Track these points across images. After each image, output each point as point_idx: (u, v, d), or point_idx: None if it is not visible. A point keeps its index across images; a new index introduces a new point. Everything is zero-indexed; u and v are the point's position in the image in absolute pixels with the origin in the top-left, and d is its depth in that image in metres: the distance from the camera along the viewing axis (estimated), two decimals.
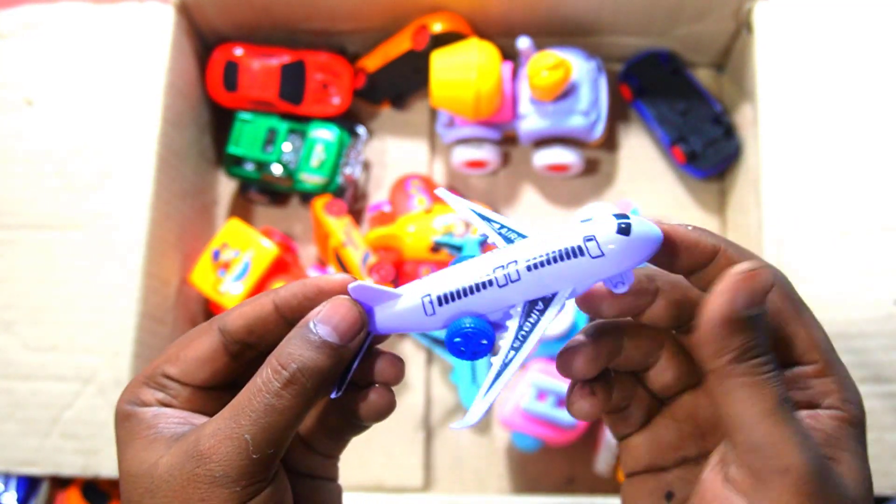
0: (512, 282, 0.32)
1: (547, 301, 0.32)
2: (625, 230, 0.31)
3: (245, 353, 0.36)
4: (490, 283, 0.32)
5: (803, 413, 0.31)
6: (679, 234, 0.32)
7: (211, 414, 0.34)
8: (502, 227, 0.35)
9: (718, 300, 0.30)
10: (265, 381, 0.32)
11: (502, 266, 0.32)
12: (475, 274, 0.33)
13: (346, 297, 0.34)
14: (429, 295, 0.33)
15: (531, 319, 0.32)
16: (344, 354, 0.33)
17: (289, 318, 0.35)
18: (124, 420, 0.35)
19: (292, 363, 0.32)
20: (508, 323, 0.33)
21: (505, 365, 0.32)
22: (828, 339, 0.32)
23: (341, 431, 0.38)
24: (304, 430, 0.38)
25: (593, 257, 0.31)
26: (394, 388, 0.37)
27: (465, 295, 0.33)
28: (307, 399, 0.32)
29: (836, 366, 0.31)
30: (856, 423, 0.31)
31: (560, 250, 0.32)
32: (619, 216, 0.32)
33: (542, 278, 0.32)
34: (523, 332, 0.32)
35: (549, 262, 0.32)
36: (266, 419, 0.31)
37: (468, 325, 0.33)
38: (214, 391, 0.36)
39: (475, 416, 0.32)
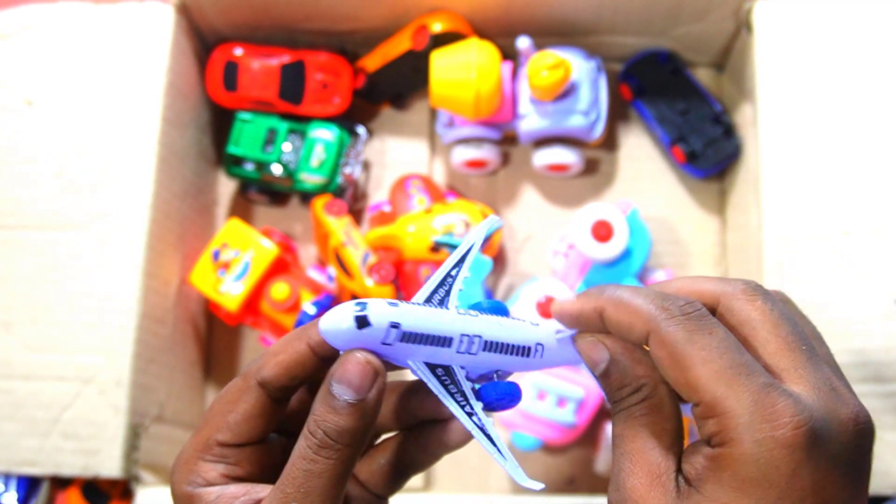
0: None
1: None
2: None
3: (290, 395, 0.36)
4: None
5: (692, 452, 0.31)
6: (566, 309, 0.35)
7: (275, 465, 0.35)
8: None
9: None
10: (301, 448, 0.32)
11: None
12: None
13: (358, 352, 0.32)
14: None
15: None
16: (367, 406, 0.32)
17: (327, 357, 0.35)
18: (186, 500, 0.34)
19: (318, 429, 0.32)
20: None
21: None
22: (724, 367, 0.30)
23: (408, 470, 0.39)
24: (364, 476, 0.39)
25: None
26: None
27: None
28: (344, 458, 0.32)
29: (721, 403, 0.29)
30: (732, 462, 0.29)
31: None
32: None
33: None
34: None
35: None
36: (307, 484, 0.31)
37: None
38: (272, 441, 0.37)
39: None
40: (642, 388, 0.33)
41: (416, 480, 0.72)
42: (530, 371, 0.37)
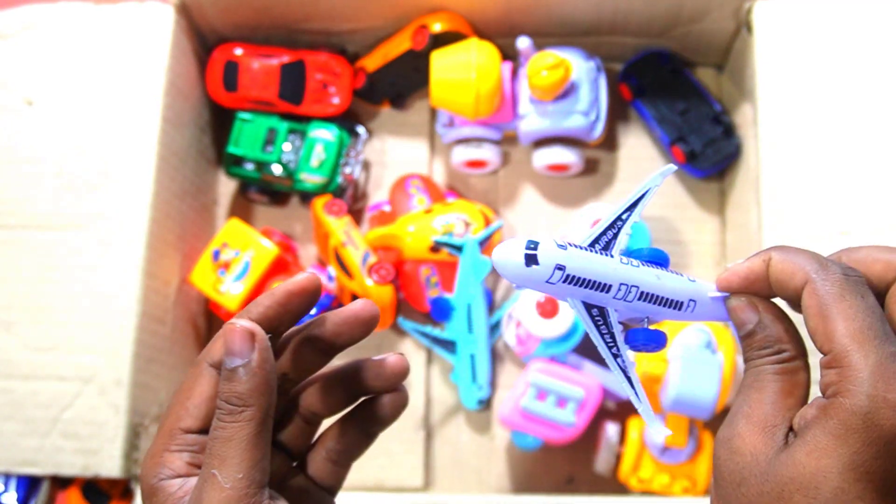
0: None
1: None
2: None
3: None
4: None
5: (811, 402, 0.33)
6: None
7: None
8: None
9: None
10: (213, 421, 0.34)
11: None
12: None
13: (234, 321, 0.34)
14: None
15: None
16: (254, 366, 0.34)
17: (272, 331, 0.36)
18: (151, 495, 0.35)
19: (222, 400, 0.34)
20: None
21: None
22: (863, 327, 0.32)
23: (349, 455, 0.40)
24: (313, 470, 0.40)
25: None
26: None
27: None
28: (249, 420, 0.33)
29: (849, 356, 0.31)
30: (841, 411, 0.30)
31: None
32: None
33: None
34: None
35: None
36: (221, 451, 0.33)
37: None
38: None
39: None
40: (783, 352, 0.35)
41: (416, 480, 0.73)
42: (679, 321, 0.38)
